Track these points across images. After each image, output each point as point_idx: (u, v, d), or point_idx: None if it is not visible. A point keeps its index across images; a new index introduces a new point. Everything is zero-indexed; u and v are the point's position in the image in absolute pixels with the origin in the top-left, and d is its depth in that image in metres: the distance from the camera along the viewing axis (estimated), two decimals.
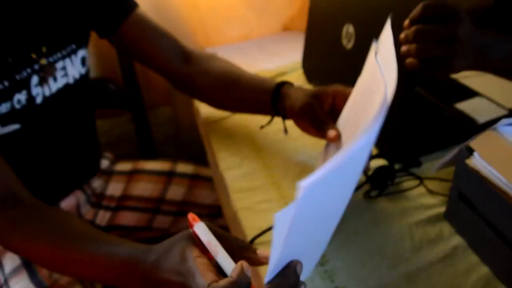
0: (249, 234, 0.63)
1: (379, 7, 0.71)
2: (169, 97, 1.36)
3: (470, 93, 0.90)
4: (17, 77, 0.72)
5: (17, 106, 0.73)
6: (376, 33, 0.54)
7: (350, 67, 0.82)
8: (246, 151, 0.83)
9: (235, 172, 0.77)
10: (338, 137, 0.61)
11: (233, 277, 0.40)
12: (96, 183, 0.99)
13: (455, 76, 0.97)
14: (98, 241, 0.57)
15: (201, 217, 0.47)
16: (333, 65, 0.91)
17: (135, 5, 0.85)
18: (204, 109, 0.97)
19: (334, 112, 0.68)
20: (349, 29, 0.80)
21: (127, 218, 1.00)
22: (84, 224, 0.64)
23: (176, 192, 1.02)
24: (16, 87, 0.72)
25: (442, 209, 0.64)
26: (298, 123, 0.72)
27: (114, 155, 1.09)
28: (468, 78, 0.96)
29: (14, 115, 0.73)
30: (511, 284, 0.52)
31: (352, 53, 0.81)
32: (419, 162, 0.73)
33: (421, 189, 0.68)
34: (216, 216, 1.01)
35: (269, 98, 0.77)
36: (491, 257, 0.55)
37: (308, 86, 0.89)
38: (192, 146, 1.40)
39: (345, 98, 0.65)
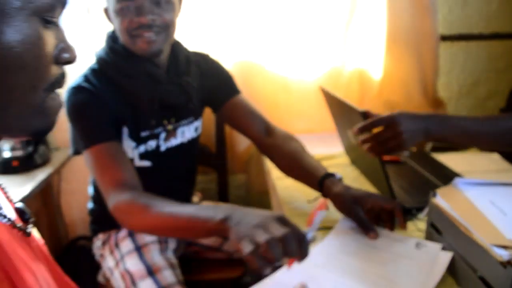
0: None
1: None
2: (245, 167, 1.79)
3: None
4: (154, 131, 1.18)
5: (149, 149, 1.18)
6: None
7: (359, 157, 1.25)
8: (297, 195, 1.21)
9: (291, 205, 1.15)
10: (376, 237, 0.93)
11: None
12: None
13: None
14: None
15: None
16: (354, 154, 1.34)
17: (237, 92, 1.30)
18: (274, 170, 1.37)
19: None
20: (349, 132, 1.21)
21: (205, 239, 1.39)
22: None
23: None
24: (151, 137, 1.18)
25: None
26: (336, 206, 1.01)
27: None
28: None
29: (146, 155, 1.19)
30: (455, 276, 0.83)
31: (357, 147, 1.20)
32: (413, 213, 1.06)
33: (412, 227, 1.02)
34: None
35: (317, 183, 1.06)
36: (459, 270, 0.86)
37: (352, 167, 1.33)
38: (258, 207, 1.79)
39: (376, 210, 0.96)
